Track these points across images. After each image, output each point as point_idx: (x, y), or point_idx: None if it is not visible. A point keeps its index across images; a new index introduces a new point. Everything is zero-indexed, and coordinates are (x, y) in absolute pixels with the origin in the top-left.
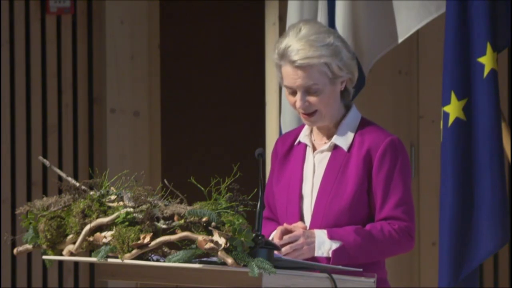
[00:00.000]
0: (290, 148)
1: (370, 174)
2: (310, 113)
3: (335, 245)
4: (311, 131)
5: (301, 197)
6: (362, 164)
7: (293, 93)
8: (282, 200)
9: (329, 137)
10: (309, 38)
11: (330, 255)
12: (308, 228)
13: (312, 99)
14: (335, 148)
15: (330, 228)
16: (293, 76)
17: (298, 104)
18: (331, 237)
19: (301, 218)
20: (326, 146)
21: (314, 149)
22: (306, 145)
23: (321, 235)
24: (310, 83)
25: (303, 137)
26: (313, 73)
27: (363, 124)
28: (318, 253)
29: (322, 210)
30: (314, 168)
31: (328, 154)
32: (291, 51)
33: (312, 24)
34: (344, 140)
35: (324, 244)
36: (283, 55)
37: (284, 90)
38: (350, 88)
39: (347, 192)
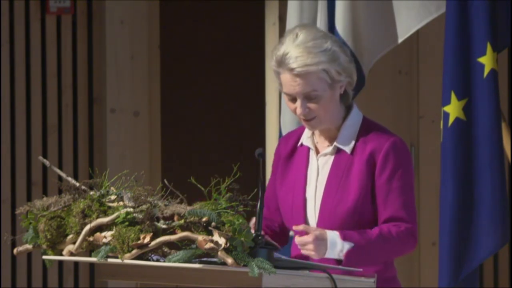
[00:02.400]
0: (293, 149)
1: (373, 176)
2: (310, 119)
3: (347, 246)
4: (313, 133)
5: (305, 201)
6: (365, 167)
7: (293, 99)
8: (287, 203)
9: (332, 139)
10: (306, 44)
11: (342, 258)
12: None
13: (312, 105)
14: (338, 151)
15: (342, 231)
16: (292, 83)
17: (298, 111)
18: (344, 238)
19: (306, 222)
20: (329, 149)
21: (317, 151)
22: (309, 147)
23: (333, 236)
24: (309, 89)
25: (305, 139)
26: (312, 80)
27: (365, 125)
28: (329, 255)
29: (327, 214)
30: (318, 171)
31: (332, 157)
32: (289, 58)
33: (308, 29)
34: (346, 143)
35: (336, 246)
36: (281, 62)
37: (284, 97)
38: (349, 91)
39: (351, 196)
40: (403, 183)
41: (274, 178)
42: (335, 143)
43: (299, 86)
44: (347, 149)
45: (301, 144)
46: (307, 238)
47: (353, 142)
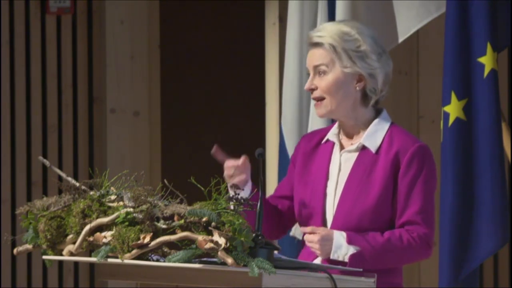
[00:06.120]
0: (317, 146)
1: (396, 177)
2: (316, 98)
3: (352, 249)
4: (340, 131)
5: (325, 195)
6: (390, 166)
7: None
8: (306, 196)
9: (357, 139)
10: (337, 25)
11: (347, 260)
12: (329, 227)
13: (318, 81)
14: (363, 149)
15: (350, 232)
16: (309, 56)
17: (306, 85)
18: (349, 241)
19: (323, 216)
20: (354, 146)
21: (341, 148)
22: (333, 144)
23: (339, 238)
24: (317, 63)
25: (331, 135)
26: (322, 53)
27: (393, 129)
28: (334, 256)
29: (345, 209)
30: (340, 166)
31: (355, 154)
32: (315, 30)
33: (364, 26)
34: (372, 142)
35: (341, 248)
36: (309, 36)
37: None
38: (369, 92)
39: (373, 193)
40: (425, 188)
41: (292, 171)
42: (360, 141)
43: (312, 58)
44: (372, 148)
45: (327, 140)
46: (313, 237)
47: (379, 142)
